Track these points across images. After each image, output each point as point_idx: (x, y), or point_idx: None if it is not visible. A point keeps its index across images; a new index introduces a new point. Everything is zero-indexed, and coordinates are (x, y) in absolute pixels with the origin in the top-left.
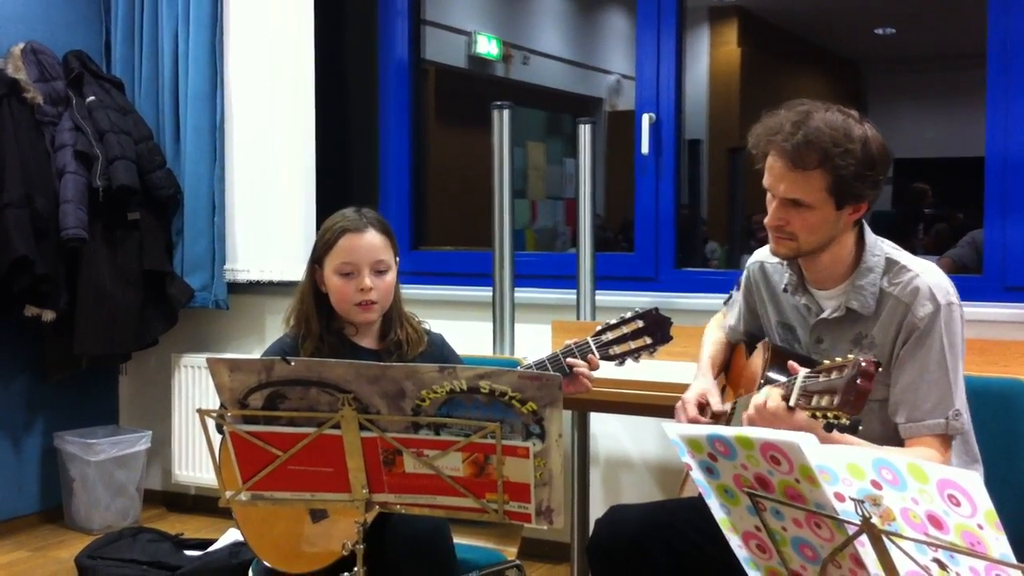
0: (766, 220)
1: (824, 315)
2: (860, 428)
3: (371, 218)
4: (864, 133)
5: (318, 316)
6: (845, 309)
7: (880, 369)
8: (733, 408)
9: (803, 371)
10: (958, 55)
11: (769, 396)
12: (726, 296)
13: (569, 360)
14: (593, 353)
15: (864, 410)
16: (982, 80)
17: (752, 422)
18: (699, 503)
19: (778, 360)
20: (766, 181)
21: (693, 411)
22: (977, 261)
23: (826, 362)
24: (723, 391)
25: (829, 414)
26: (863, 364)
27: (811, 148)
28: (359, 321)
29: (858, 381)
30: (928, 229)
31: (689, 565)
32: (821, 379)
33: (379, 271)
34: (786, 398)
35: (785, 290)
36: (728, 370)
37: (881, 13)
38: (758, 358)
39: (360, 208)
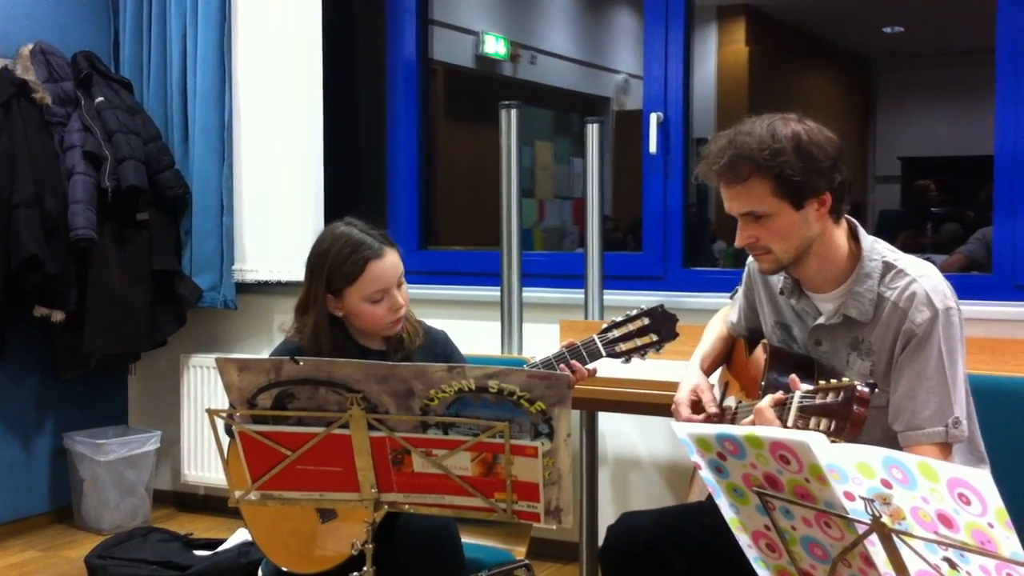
0: (736, 243)
1: (821, 320)
2: None
3: (377, 235)
4: (794, 130)
5: (331, 337)
6: (843, 316)
7: (877, 390)
8: (735, 411)
9: (799, 391)
10: (967, 52)
11: (765, 415)
12: (732, 292)
13: (572, 362)
14: (600, 353)
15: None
16: (992, 77)
17: None
18: (710, 506)
19: (777, 361)
20: (725, 207)
21: (687, 413)
22: (988, 257)
23: (822, 382)
24: (726, 385)
25: (828, 439)
26: (858, 390)
27: (738, 161)
28: (390, 334)
29: (854, 408)
30: (937, 228)
31: (703, 568)
32: (817, 400)
33: (399, 284)
34: (782, 416)
35: (782, 293)
36: (731, 364)
37: (890, 11)
38: (759, 357)
39: (349, 221)
